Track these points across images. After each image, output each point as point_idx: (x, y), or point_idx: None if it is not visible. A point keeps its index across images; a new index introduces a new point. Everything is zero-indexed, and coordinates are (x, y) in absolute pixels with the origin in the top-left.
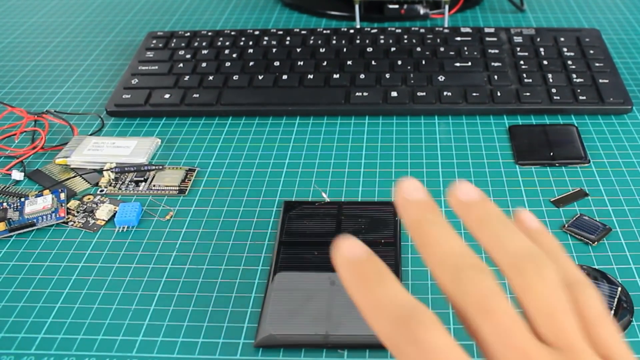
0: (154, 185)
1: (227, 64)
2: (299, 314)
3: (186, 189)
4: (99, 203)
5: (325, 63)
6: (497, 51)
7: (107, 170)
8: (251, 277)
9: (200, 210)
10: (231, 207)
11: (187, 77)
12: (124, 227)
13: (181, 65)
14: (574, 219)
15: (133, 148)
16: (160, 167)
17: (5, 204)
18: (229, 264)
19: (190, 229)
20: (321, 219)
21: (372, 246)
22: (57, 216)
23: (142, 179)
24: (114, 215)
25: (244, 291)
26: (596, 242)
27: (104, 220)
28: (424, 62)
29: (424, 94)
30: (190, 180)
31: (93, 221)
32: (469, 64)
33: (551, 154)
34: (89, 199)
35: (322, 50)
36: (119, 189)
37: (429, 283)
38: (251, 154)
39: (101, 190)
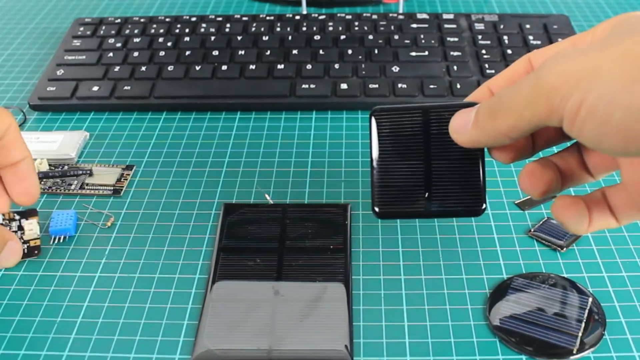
0: (86, 184)
1: (161, 53)
2: (239, 327)
3: (121, 189)
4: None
5: (268, 52)
6: (456, 39)
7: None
8: (188, 286)
9: (132, 213)
10: (165, 210)
11: (117, 68)
12: (59, 237)
13: (111, 54)
14: (541, 223)
15: (60, 143)
16: (88, 171)
17: None
18: (164, 272)
19: (121, 233)
20: (264, 223)
21: (320, 253)
22: None
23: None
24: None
25: (179, 302)
26: (565, 248)
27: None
28: (376, 52)
29: (377, 86)
30: (126, 179)
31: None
32: (426, 53)
33: None
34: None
35: (265, 38)
36: (49, 188)
37: (381, 293)
38: (188, 152)
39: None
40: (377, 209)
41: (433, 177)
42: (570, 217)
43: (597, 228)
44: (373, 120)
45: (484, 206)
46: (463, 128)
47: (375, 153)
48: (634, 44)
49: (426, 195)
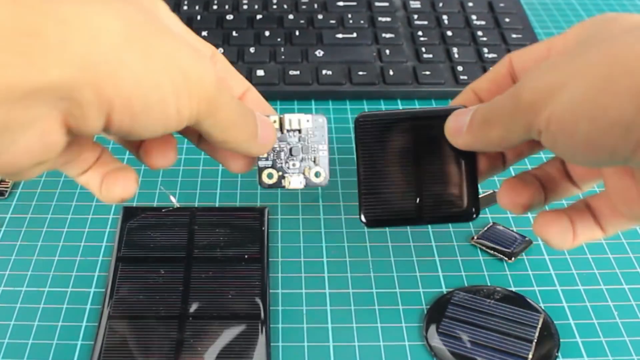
0: None
1: None
2: (141, 349)
3: (6, 191)
4: None
5: None
6: (389, 19)
7: None
8: (82, 302)
9: (18, 217)
10: (57, 214)
11: None
12: None
13: None
14: (485, 229)
15: None
16: None
17: None
18: (54, 286)
19: (5, 241)
20: (169, 229)
21: (234, 263)
22: None
23: None
24: None
25: (72, 319)
26: (513, 258)
27: None
28: (297, 33)
29: (298, 72)
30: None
31: None
32: (354, 35)
33: None
34: None
35: None
36: None
37: (304, 309)
38: None
39: None
40: (364, 217)
41: (424, 182)
42: (555, 233)
43: (582, 241)
44: (358, 127)
45: (477, 210)
46: (458, 131)
47: (361, 161)
48: (597, 54)
49: (417, 201)
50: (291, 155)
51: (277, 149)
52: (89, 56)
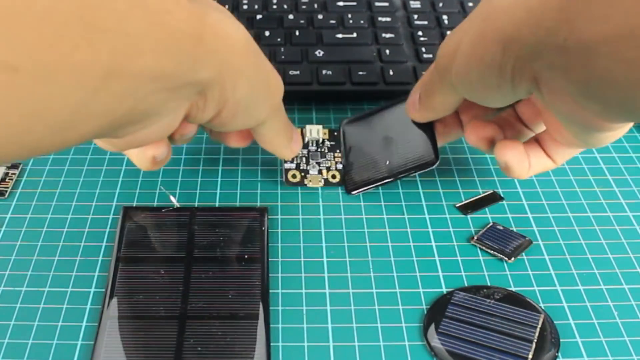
0: None
1: None
2: (141, 349)
3: (6, 191)
4: None
5: None
6: (389, 19)
7: None
8: (82, 301)
9: (18, 218)
10: (57, 215)
11: None
12: None
13: None
14: (486, 228)
15: None
16: None
17: None
18: (54, 286)
19: (5, 241)
20: (169, 229)
21: (234, 263)
22: None
23: None
24: None
25: (72, 319)
26: (513, 258)
27: None
28: (297, 33)
29: (298, 72)
30: (12, 180)
31: None
32: (354, 35)
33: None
34: None
35: None
36: None
37: (304, 309)
38: (82, 148)
39: None
40: (346, 188)
41: (393, 149)
42: (513, 156)
43: (537, 170)
44: (343, 130)
45: (437, 156)
46: (413, 107)
47: (346, 150)
48: (477, 13)
49: (387, 163)
50: (311, 160)
51: (300, 154)
52: (226, 63)
